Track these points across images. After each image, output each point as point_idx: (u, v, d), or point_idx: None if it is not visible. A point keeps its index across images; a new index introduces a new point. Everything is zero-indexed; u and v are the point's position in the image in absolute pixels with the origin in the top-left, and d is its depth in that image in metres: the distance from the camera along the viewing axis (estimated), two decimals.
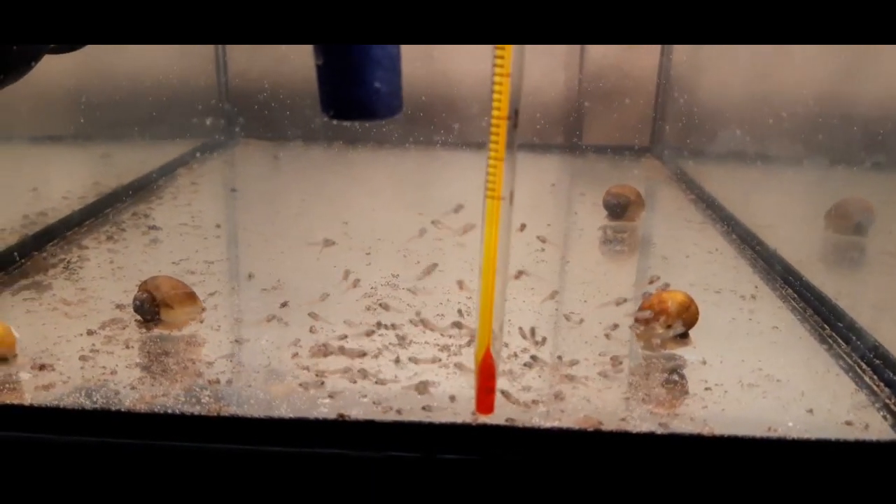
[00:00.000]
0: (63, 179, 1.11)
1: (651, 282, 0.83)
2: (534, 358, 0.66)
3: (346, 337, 0.68)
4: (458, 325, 0.71)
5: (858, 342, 0.69)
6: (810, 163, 0.91)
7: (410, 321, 0.72)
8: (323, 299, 0.76)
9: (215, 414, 0.56)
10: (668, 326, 0.67)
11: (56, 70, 0.69)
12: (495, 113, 0.47)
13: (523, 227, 0.94)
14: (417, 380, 0.61)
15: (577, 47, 1.47)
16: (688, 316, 0.68)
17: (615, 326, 0.72)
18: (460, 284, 0.76)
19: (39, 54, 0.63)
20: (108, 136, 1.21)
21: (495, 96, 0.47)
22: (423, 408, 0.57)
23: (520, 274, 0.82)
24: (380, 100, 0.47)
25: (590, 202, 1.15)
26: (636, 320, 0.69)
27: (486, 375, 0.52)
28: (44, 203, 1.01)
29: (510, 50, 0.45)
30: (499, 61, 0.46)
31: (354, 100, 0.47)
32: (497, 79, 0.46)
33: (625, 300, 0.77)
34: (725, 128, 1.16)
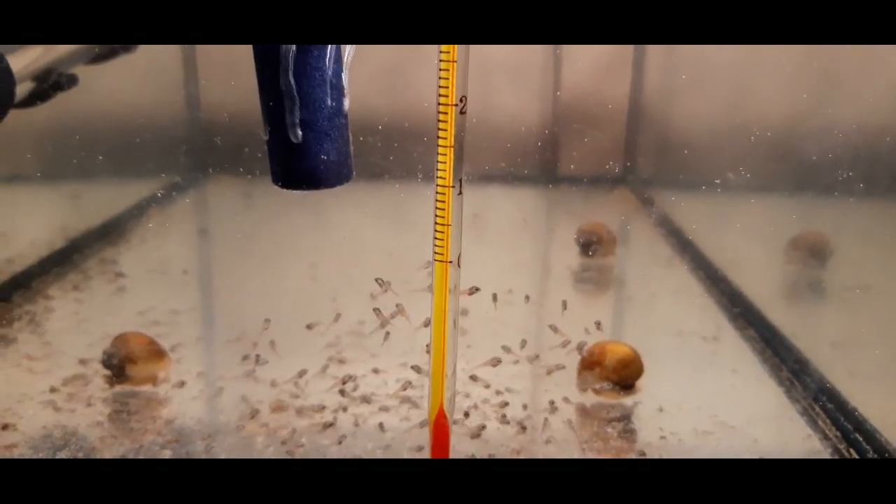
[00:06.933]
0: (31, 223, 1.11)
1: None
2: (493, 409, 0.66)
3: (306, 393, 0.69)
4: (417, 369, 0.72)
5: (812, 384, 0.70)
6: (775, 194, 0.92)
7: (373, 370, 0.73)
8: (285, 346, 0.77)
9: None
10: (605, 378, 0.68)
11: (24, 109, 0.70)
12: (440, 182, 0.48)
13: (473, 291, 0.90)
14: (375, 438, 0.62)
15: (551, 75, 1.49)
16: (628, 372, 0.69)
17: (562, 368, 0.72)
18: (427, 346, 0.77)
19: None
20: (77, 175, 1.21)
21: (440, 166, 0.48)
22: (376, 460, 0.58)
23: None
24: (328, 170, 0.48)
25: (561, 239, 1.16)
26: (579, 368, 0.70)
27: (439, 433, 0.53)
28: (11, 249, 1.01)
29: (453, 123, 0.46)
30: (442, 133, 0.47)
31: (302, 171, 0.48)
32: (441, 150, 0.47)
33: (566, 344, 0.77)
34: (694, 158, 1.18)
